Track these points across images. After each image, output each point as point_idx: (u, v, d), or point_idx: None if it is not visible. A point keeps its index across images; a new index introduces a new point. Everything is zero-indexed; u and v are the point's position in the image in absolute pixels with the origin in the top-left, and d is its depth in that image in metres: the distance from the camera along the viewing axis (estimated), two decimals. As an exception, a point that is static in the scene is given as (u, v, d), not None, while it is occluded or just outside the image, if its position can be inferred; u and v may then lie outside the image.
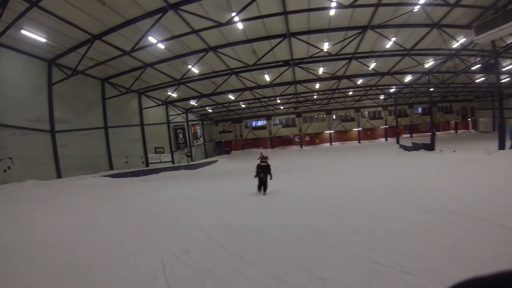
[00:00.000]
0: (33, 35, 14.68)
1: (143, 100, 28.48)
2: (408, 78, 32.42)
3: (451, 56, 23.92)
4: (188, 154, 34.55)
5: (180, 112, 35.60)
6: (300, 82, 29.27)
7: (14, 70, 16.39)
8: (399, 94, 40.00)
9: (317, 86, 32.65)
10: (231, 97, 32.84)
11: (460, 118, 49.05)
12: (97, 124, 22.64)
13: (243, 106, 39.15)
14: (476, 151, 22.35)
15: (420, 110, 49.22)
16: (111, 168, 23.07)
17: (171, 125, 33.74)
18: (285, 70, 24.22)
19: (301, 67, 23.93)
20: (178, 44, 18.07)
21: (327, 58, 22.64)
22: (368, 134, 49.31)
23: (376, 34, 18.72)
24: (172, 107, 34.23)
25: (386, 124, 48.31)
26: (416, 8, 15.67)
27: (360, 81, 31.84)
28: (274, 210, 8.33)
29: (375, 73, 27.31)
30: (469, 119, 49.03)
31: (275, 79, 25.82)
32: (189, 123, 38.48)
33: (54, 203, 10.83)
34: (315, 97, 37.98)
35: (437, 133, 44.75)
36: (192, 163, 32.50)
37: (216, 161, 35.00)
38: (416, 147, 30.58)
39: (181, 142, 35.77)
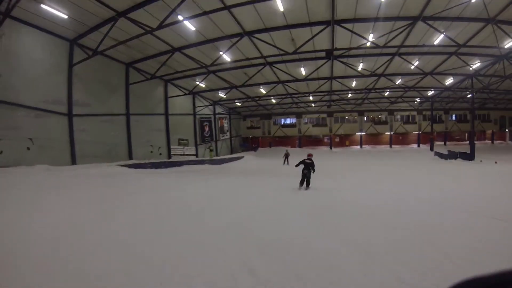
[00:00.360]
0: (54, 11, 13.46)
1: (169, 88, 27.07)
2: (449, 81, 29.55)
3: (502, 58, 21.55)
4: (212, 148, 32.49)
5: (207, 104, 34.17)
6: (336, 78, 27.36)
7: (33, 48, 15.26)
8: (436, 98, 37.29)
9: (354, 84, 30.21)
10: (263, 90, 30.92)
11: (498, 128, 45.53)
12: (118, 110, 21.37)
13: (274, 101, 37.21)
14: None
15: (454, 117, 45.83)
16: (131, 157, 21.78)
17: (197, 116, 32.30)
18: (324, 64, 22.25)
19: (340, 61, 21.93)
20: (210, 26, 16.25)
21: (369, 52, 21.25)
22: (399, 139, 46.28)
23: (426, 27, 16.52)
24: (199, 98, 32.80)
25: (419, 130, 45.19)
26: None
27: (399, 81, 29.24)
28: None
29: (417, 72, 25.52)
30: (507, 130, 45.87)
31: (311, 73, 23.91)
32: (216, 116, 36.98)
33: (53, 192, 9.28)
34: (349, 96, 35.52)
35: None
36: (216, 157, 30.98)
37: (242, 157, 33.32)
38: (452, 155, 29.27)
39: (207, 135, 34.32)
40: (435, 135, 42.33)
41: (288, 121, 47.22)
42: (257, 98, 33.86)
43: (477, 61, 22.88)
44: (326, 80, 28.01)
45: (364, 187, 12.30)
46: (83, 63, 17.18)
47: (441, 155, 31.19)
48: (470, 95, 32.73)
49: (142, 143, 23.54)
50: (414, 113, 44.94)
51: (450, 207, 7.67)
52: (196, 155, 30.86)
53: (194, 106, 31.88)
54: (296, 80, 26.13)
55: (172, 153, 26.76)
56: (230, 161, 29.74)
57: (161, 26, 13.90)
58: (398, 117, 45.44)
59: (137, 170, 17.48)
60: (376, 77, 27.01)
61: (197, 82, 26.49)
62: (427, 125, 43.48)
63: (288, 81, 27.17)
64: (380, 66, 23.53)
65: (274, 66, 22.76)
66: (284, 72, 23.81)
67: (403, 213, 7.08)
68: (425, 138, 43.68)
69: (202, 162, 25.36)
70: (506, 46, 18.60)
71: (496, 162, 24.07)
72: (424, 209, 7.58)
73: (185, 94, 28.38)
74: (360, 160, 30.07)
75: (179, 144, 28.44)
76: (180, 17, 14.03)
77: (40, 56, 15.67)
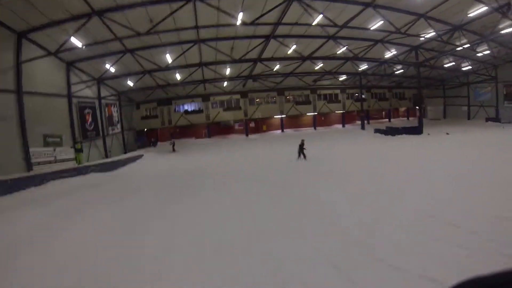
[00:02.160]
0: None
1: (25, 47, 15.58)
2: (390, 53, 26.89)
3: (457, 28, 21.45)
4: (79, 146, 20.16)
5: (88, 79, 22.87)
6: (279, 36, 21.04)
7: None
8: (366, 74, 34.98)
9: (291, 50, 23.58)
10: (169, 58, 21.83)
11: (412, 105, 46.85)
12: None
13: (179, 77, 27.93)
14: (468, 133, 25.03)
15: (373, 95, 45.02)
16: None
17: (74, 100, 20.99)
18: (277, 5, 15.42)
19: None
20: None
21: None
22: (322, 120, 42.09)
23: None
24: (76, 71, 21.28)
25: (344, 109, 41.90)
26: None
27: (342, 50, 23.96)
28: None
29: (369, 38, 23.28)
30: (417, 107, 46.45)
31: (256, 19, 16.09)
32: (102, 101, 25.69)
33: None
34: (276, 68, 28.75)
35: (392, 120, 45.49)
36: (106, 160, 20.82)
37: (141, 155, 24.56)
38: (395, 131, 28.97)
39: (90, 128, 23.20)
40: (365, 112, 40.22)
41: (192, 106, 37.97)
42: (155, 71, 24.42)
43: (431, 31, 20.96)
44: (263, 40, 20.92)
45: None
46: None
47: (384, 132, 29.97)
48: (400, 71, 34.68)
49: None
50: (338, 91, 41.25)
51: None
52: (76, 159, 20.05)
53: (69, 83, 20.28)
54: (220, 38, 20.16)
55: (34, 161, 15.62)
56: (127, 163, 21.02)
57: None
58: (322, 96, 40.92)
59: None
60: (325, 39, 22.33)
61: (72, 39, 15.64)
62: (351, 103, 41.73)
63: (209, 38, 20.10)
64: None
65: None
66: (217, 9, 15.06)
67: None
68: (349, 118, 42.14)
69: (84, 170, 15.85)
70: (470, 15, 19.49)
71: (447, 133, 25.22)
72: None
73: (48, 55, 17.11)
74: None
75: (47, 144, 17.29)
76: None
77: None
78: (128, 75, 24.77)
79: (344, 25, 17.87)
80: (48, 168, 15.61)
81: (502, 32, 21.46)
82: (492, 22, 21.16)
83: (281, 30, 19.71)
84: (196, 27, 16.95)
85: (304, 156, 16.70)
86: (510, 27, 20.33)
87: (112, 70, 22.31)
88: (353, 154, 17.86)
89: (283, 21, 17.96)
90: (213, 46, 20.77)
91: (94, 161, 20.10)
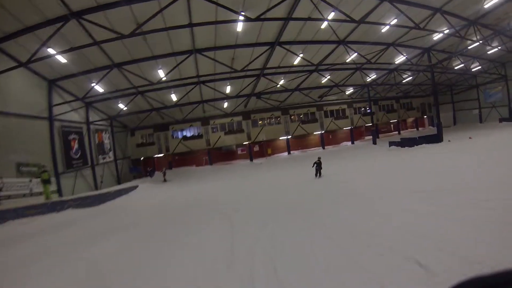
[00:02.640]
0: None
1: None
2: (401, 58, 25.56)
3: (471, 24, 20.92)
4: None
5: (73, 99, 20.33)
6: (284, 43, 18.87)
7: None
8: (373, 85, 33.51)
9: (297, 60, 21.58)
10: (161, 73, 19.67)
11: (420, 115, 46.04)
12: None
13: (175, 98, 25.56)
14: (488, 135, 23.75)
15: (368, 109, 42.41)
16: None
17: (57, 124, 18.59)
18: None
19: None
20: None
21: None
22: (329, 138, 39.56)
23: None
24: (58, 90, 18.95)
25: (352, 124, 39.44)
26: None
27: (352, 57, 22.22)
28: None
29: (379, 42, 21.86)
30: (425, 116, 47.04)
31: (260, 15, 13.68)
32: (91, 126, 23.26)
33: None
34: (280, 83, 26.54)
35: (401, 132, 43.43)
36: (91, 193, 18.11)
37: (135, 187, 21.90)
38: (412, 142, 27.27)
39: (76, 156, 20.67)
40: (375, 126, 37.42)
41: (191, 132, 35.50)
42: (148, 90, 22.20)
43: (445, 28, 19.98)
44: (268, 48, 18.89)
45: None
46: None
47: (400, 144, 27.95)
48: (409, 78, 34.09)
49: None
50: (345, 106, 39.05)
51: None
52: (59, 191, 17.34)
53: (51, 104, 17.89)
54: (219, 47, 18.19)
55: (3, 193, 12.91)
56: (118, 196, 18.32)
57: None
58: (328, 112, 38.52)
59: None
60: (335, 44, 20.89)
61: (50, 50, 13.45)
62: (359, 118, 39.74)
63: (207, 48, 18.00)
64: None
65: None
66: (215, 4, 12.83)
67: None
68: (356, 134, 39.88)
69: (59, 206, 13.21)
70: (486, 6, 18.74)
71: (470, 138, 24.26)
72: None
73: (19, 66, 13.92)
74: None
75: (20, 174, 14.64)
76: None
77: None
78: (119, 96, 22.38)
79: (362, 20, 15.54)
80: (12, 203, 12.87)
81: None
82: (506, 13, 20.72)
83: (287, 35, 17.75)
84: (191, 24, 14.46)
85: (320, 174, 16.76)
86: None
87: (100, 89, 20.02)
88: (386, 172, 15.36)
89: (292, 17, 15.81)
90: (211, 56, 18.64)
91: (78, 194, 17.38)
